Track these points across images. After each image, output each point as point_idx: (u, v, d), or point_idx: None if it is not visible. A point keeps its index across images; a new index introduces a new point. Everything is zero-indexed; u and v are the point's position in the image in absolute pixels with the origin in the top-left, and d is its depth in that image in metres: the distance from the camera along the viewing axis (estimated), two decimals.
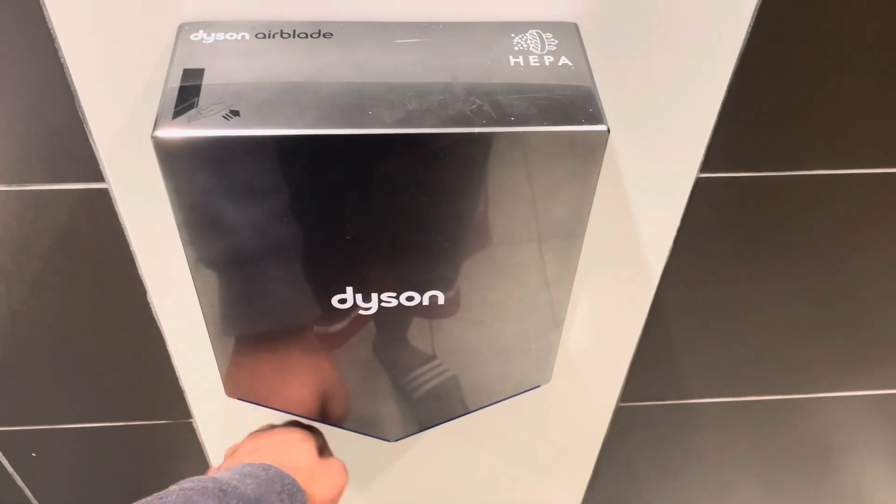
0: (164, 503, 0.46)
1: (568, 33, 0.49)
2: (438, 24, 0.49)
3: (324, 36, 0.48)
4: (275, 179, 0.45)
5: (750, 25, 0.52)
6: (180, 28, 0.48)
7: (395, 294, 0.53)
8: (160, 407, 0.83)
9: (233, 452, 0.61)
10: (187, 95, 0.43)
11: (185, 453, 0.89)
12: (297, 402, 0.61)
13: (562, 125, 0.44)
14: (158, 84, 0.47)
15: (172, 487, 0.49)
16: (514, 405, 0.70)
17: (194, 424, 0.85)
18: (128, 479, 0.95)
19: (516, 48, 0.48)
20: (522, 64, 0.47)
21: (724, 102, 0.57)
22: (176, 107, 0.43)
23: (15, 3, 0.47)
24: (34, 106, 0.53)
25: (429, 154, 0.44)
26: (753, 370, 0.86)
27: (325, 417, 0.63)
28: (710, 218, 0.66)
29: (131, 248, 0.64)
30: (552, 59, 0.47)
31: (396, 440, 0.67)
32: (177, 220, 0.46)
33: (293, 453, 0.59)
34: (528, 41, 0.48)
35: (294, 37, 0.47)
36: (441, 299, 0.53)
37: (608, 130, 0.44)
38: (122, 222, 0.61)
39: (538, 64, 0.47)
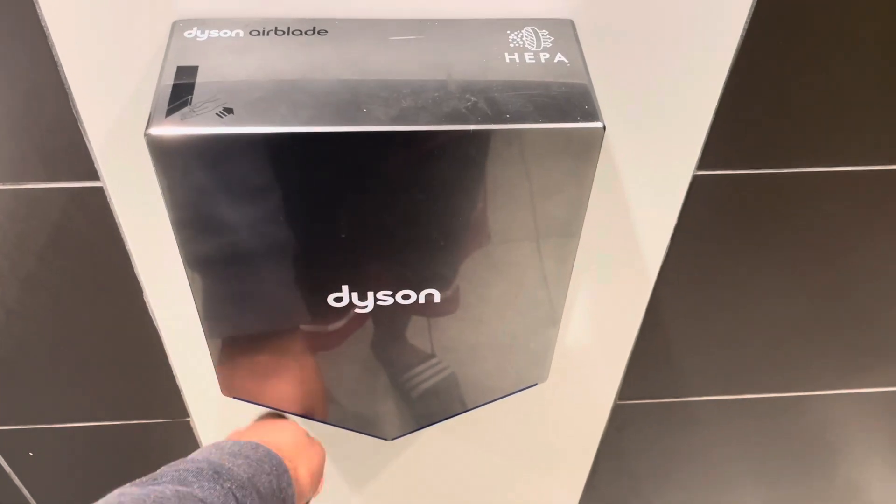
0: (158, 484, 0.46)
1: (564, 30, 0.49)
2: (434, 21, 0.49)
3: (318, 33, 0.47)
4: (269, 177, 0.44)
5: (746, 22, 0.52)
6: (174, 25, 0.48)
7: (391, 292, 0.52)
8: (157, 405, 0.82)
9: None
10: (181, 93, 0.43)
11: (183, 452, 0.88)
12: (293, 401, 0.61)
13: (557, 122, 0.44)
14: (152, 82, 0.47)
15: (165, 469, 0.49)
16: (512, 403, 0.70)
17: (191, 423, 0.84)
18: (125, 478, 0.95)
19: (512, 45, 0.48)
20: (518, 61, 0.47)
21: (721, 100, 0.57)
22: (169, 104, 0.43)
23: (9, 0, 0.47)
24: (28, 104, 0.53)
25: (424, 151, 0.44)
26: (751, 368, 0.86)
27: (321, 416, 0.63)
28: (707, 215, 0.66)
29: (126, 247, 0.63)
30: (548, 55, 0.47)
31: (394, 438, 0.67)
32: (171, 218, 0.46)
33: (281, 431, 0.61)
34: (524, 38, 0.48)
35: (288, 34, 0.47)
36: (437, 297, 0.53)
37: (604, 127, 0.44)
38: (117, 220, 0.61)
39: (534, 61, 0.47)
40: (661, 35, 0.52)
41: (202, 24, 0.47)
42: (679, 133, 0.59)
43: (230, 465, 0.49)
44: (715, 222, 0.67)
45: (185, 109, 0.42)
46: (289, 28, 0.47)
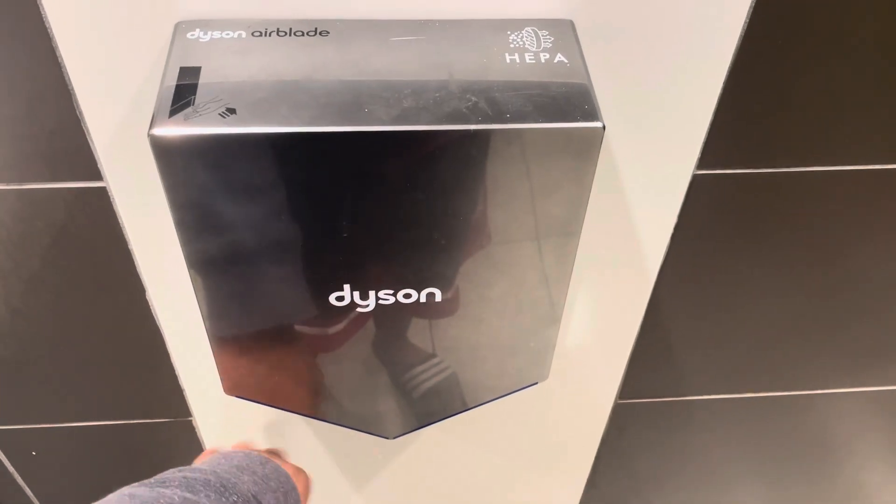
0: (167, 487, 0.46)
1: (564, 30, 0.49)
2: (434, 21, 0.49)
3: (320, 34, 0.48)
4: (271, 177, 0.45)
5: (746, 22, 0.53)
6: (177, 27, 0.48)
7: (392, 291, 0.53)
8: (159, 405, 0.83)
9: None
10: (184, 93, 0.43)
11: (185, 451, 0.89)
12: (295, 400, 0.61)
13: (557, 122, 0.44)
14: (155, 82, 0.47)
15: (172, 473, 0.49)
16: (513, 403, 0.70)
17: (194, 423, 0.85)
18: (127, 478, 0.95)
19: (512, 45, 0.48)
20: (518, 61, 0.47)
21: (720, 99, 0.57)
22: (172, 105, 0.43)
23: (12, 2, 0.48)
24: (32, 105, 0.53)
25: (425, 151, 0.44)
26: (751, 366, 0.86)
27: (322, 414, 0.63)
28: (706, 215, 0.66)
29: (129, 247, 0.64)
30: (548, 56, 0.47)
31: (395, 437, 0.67)
32: (174, 218, 0.46)
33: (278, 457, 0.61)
34: (524, 38, 0.48)
35: (290, 35, 0.47)
36: (438, 296, 0.53)
37: (603, 127, 0.44)
38: (120, 220, 0.62)
39: (534, 61, 0.47)
40: (660, 35, 0.52)
41: (205, 25, 0.48)
42: (678, 133, 0.59)
43: (236, 479, 0.49)
44: (715, 221, 0.67)
45: (189, 110, 0.43)
46: (291, 29, 0.48)
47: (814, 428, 0.98)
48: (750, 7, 0.52)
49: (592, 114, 0.44)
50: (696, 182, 0.63)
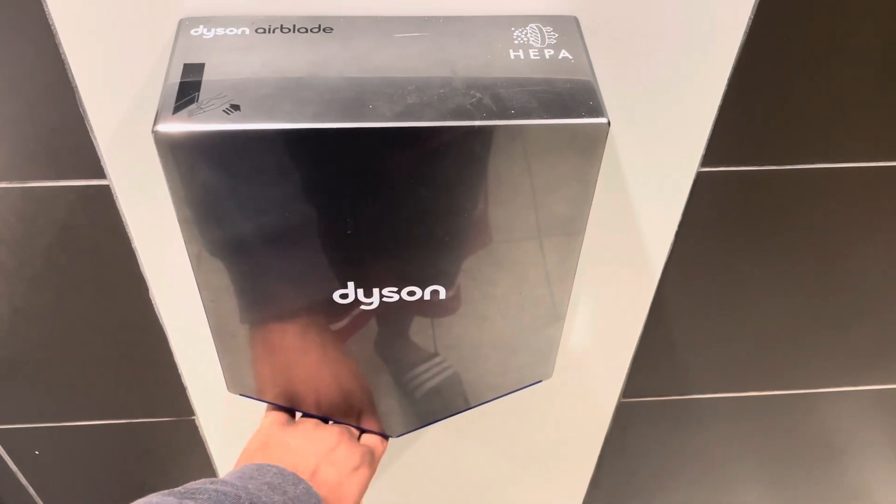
0: (195, 500, 0.45)
1: (568, 27, 0.49)
2: (438, 18, 0.49)
3: (324, 30, 0.48)
4: (275, 174, 0.45)
5: (750, 18, 0.52)
6: (180, 23, 0.48)
7: (396, 289, 0.53)
8: (162, 404, 0.83)
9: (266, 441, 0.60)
10: (188, 90, 0.43)
11: (188, 450, 0.89)
12: (298, 398, 0.61)
13: (562, 118, 0.44)
14: (159, 79, 0.47)
15: (200, 484, 0.47)
16: (517, 401, 0.70)
17: (197, 422, 0.85)
18: (130, 477, 0.95)
19: (516, 42, 0.48)
20: (522, 57, 0.47)
21: (725, 96, 0.57)
22: (176, 101, 0.43)
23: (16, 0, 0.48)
24: (35, 102, 0.53)
25: (429, 148, 0.44)
26: (756, 365, 0.86)
27: (327, 413, 0.63)
28: (711, 212, 0.66)
29: (132, 245, 0.64)
30: (552, 52, 0.47)
31: (398, 436, 0.67)
32: (178, 215, 0.46)
33: (328, 463, 0.58)
34: (529, 35, 0.48)
35: (294, 31, 0.47)
36: (442, 294, 0.53)
37: (608, 123, 0.44)
38: (123, 218, 0.62)
39: (538, 57, 0.47)
40: (664, 31, 0.52)
41: (208, 21, 0.48)
42: (683, 129, 0.59)
43: (267, 499, 0.49)
44: (719, 219, 0.67)
45: (193, 106, 0.42)
46: (294, 26, 0.48)
47: (817, 427, 0.98)
48: (754, 4, 0.52)
49: (597, 110, 0.44)
50: (700, 179, 0.63)
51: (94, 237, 0.63)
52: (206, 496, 0.46)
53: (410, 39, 0.48)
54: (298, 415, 0.64)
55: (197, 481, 0.49)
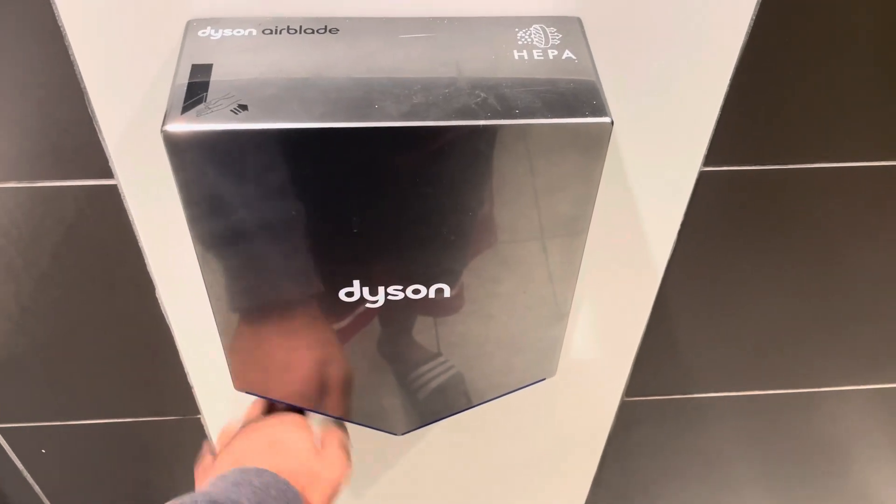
0: None
1: (571, 27, 0.50)
2: (443, 19, 0.50)
3: (330, 31, 0.48)
4: (282, 173, 0.45)
5: (752, 18, 0.53)
6: (188, 25, 0.48)
7: (401, 287, 0.53)
8: (168, 403, 0.83)
9: (228, 442, 0.61)
10: (196, 91, 0.44)
11: (194, 449, 0.89)
12: (304, 395, 0.62)
13: (566, 117, 0.44)
14: (167, 80, 0.47)
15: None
16: (520, 400, 0.71)
17: (202, 420, 0.85)
18: (136, 475, 0.96)
19: (520, 42, 0.48)
20: (526, 58, 0.47)
21: (727, 96, 0.57)
22: (185, 102, 0.43)
23: (26, 1, 0.48)
24: (44, 103, 0.54)
25: (434, 147, 0.45)
26: (759, 364, 0.86)
27: (332, 410, 0.63)
28: (713, 212, 0.67)
29: (140, 244, 0.64)
30: (556, 52, 0.48)
31: (403, 433, 0.67)
32: (186, 214, 0.47)
33: (289, 453, 0.59)
34: (532, 35, 0.49)
35: (300, 32, 0.48)
36: (447, 292, 0.54)
37: (612, 122, 0.45)
38: (130, 218, 0.62)
39: (542, 58, 0.47)
40: (666, 32, 0.53)
41: (216, 23, 0.48)
42: (685, 129, 0.59)
43: (236, 496, 0.49)
44: (721, 218, 0.68)
45: (201, 106, 0.43)
46: (301, 27, 0.48)
47: (821, 425, 0.98)
48: (756, 4, 0.52)
49: (601, 109, 0.45)
50: (702, 179, 0.63)
51: (101, 236, 0.64)
52: None
53: (416, 40, 0.48)
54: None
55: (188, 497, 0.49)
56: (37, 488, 0.96)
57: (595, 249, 0.67)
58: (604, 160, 0.47)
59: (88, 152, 0.57)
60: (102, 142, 0.56)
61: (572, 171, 0.48)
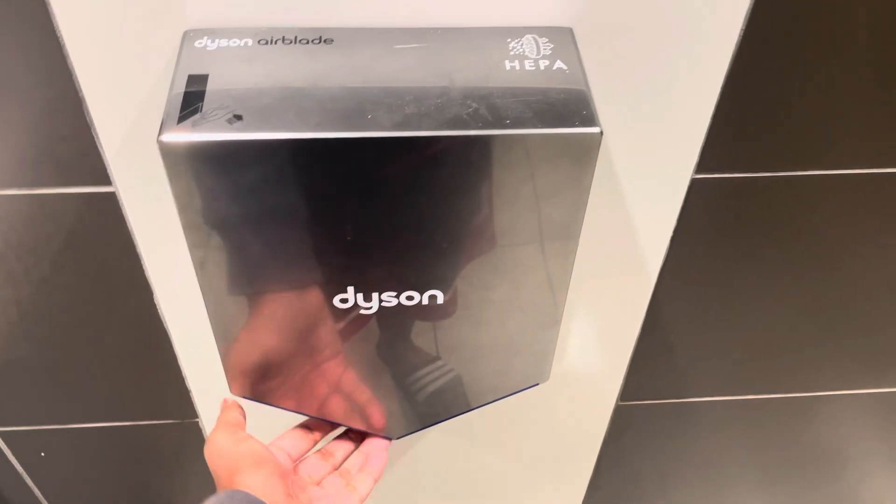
0: None
1: (563, 38, 0.50)
2: (437, 29, 0.50)
3: (324, 42, 0.49)
4: (277, 182, 0.46)
5: (743, 27, 0.53)
6: (185, 35, 0.49)
7: (395, 293, 0.54)
8: (167, 407, 0.84)
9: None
10: (192, 100, 0.45)
11: (192, 453, 0.90)
12: (299, 401, 0.62)
13: (556, 127, 0.45)
14: (164, 89, 0.48)
15: None
16: (515, 404, 0.71)
17: (200, 424, 0.86)
18: (135, 479, 0.96)
19: (512, 53, 0.49)
20: (518, 68, 0.48)
21: (718, 104, 0.58)
22: (181, 111, 0.44)
23: (24, 10, 0.49)
24: (43, 111, 0.54)
25: (427, 156, 0.45)
26: (752, 369, 0.86)
27: (327, 415, 0.64)
28: (705, 219, 0.67)
29: (138, 251, 0.65)
30: (547, 63, 0.48)
31: (398, 438, 0.68)
32: (182, 221, 0.47)
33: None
34: (524, 46, 0.49)
35: (295, 43, 0.48)
36: (440, 298, 0.54)
37: (601, 132, 0.45)
38: (128, 225, 0.63)
39: (534, 68, 0.48)
40: (657, 42, 0.53)
41: (212, 33, 0.49)
42: (677, 137, 0.60)
43: None
44: (714, 225, 0.68)
45: (197, 116, 0.44)
46: (296, 37, 0.49)
47: (816, 430, 0.99)
48: (747, 13, 0.53)
49: (591, 119, 0.45)
50: (694, 186, 0.64)
51: (99, 243, 0.64)
52: None
53: (409, 50, 0.49)
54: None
55: None
56: (36, 491, 0.96)
57: (589, 256, 0.67)
58: (594, 169, 0.48)
59: (87, 160, 0.57)
60: (101, 150, 0.57)
61: (563, 179, 0.48)
